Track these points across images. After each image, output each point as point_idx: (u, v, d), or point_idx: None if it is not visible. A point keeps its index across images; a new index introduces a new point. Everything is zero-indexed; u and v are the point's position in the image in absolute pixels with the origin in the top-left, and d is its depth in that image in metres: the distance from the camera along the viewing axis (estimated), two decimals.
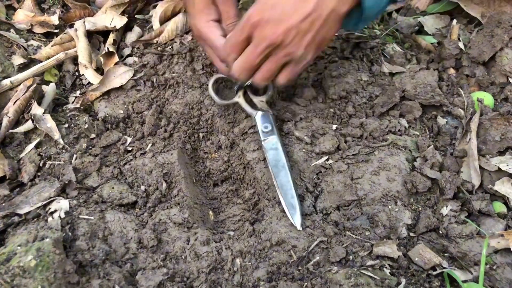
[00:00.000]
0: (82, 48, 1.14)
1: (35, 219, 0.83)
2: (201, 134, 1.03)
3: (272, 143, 0.93)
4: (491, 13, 1.19)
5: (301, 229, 0.84)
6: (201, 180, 0.99)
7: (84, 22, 1.19)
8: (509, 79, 1.08)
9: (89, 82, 1.11)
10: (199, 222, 0.88)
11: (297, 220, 0.85)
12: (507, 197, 0.89)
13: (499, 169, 0.91)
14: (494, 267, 0.81)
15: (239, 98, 1.00)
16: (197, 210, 0.91)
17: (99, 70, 1.13)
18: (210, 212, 0.93)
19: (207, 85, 1.03)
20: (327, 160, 0.94)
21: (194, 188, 0.95)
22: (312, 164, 0.93)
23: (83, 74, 1.12)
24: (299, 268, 0.79)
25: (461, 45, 1.16)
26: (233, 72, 0.87)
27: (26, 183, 0.90)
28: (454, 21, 1.24)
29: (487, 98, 1.05)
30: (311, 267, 0.79)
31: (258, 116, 0.97)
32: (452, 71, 1.15)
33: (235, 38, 0.84)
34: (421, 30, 1.30)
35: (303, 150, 0.95)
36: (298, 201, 0.86)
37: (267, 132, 0.94)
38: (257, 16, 0.80)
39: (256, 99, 0.99)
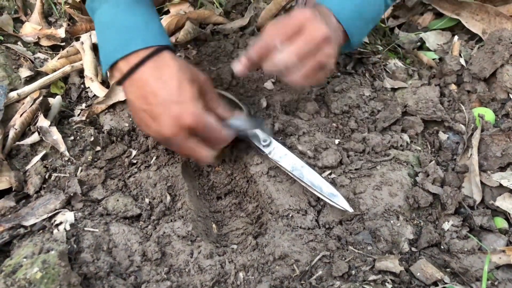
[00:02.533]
0: (88, 61, 1.15)
1: (41, 231, 0.83)
2: None
3: (279, 152, 0.93)
4: (492, 29, 1.20)
5: (352, 210, 0.86)
6: (204, 193, 1.00)
7: (90, 35, 1.21)
8: (510, 95, 1.09)
9: (94, 95, 1.12)
10: (202, 235, 0.89)
11: (344, 204, 0.86)
12: (509, 213, 0.90)
13: (500, 185, 0.92)
14: (496, 283, 0.81)
15: None
16: (200, 223, 0.91)
17: (105, 83, 1.15)
18: (214, 225, 0.94)
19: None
20: (330, 174, 0.95)
21: (198, 201, 0.96)
22: None
23: (89, 87, 1.14)
24: (302, 282, 0.79)
25: (462, 61, 1.17)
26: (282, 61, 0.78)
27: (31, 195, 0.91)
28: (456, 37, 1.26)
29: (488, 114, 1.06)
30: (313, 281, 0.79)
31: (249, 136, 0.94)
32: (453, 87, 1.16)
33: (286, 27, 0.78)
34: (422, 46, 1.31)
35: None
36: (334, 187, 0.88)
37: (268, 144, 0.93)
38: (309, 13, 0.78)
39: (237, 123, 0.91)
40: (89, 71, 1.14)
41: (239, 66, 0.83)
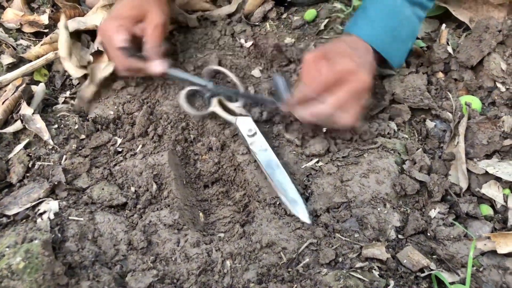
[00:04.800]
0: (62, 40, 1.09)
1: (24, 220, 0.82)
2: (192, 136, 1.03)
3: (260, 145, 0.94)
4: (479, 18, 1.20)
5: (310, 222, 0.85)
6: (191, 182, 0.99)
7: (64, 16, 1.16)
8: (497, 83, 1.09)
9: (79, 82, 1.10)
10: (189, 223, 0.88)
11: (302, 214, 0.86)
12: (494, 200, 0.90)
13: (486, 172, 0.92)
14: (481, 269, 0.82)
15: (215, 107, 1.00)
16: (187, 211, 0.91)
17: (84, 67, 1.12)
18: (201, 214, 0.93)
19: (179, 97, 1.02)
20: (317, 162, 0.94)
21: (185, 189, 0.95)
22: (302, 166, 0.93)
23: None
24: (289, 270, 0.79)
25: (449, 49, 1.17)
26: (325, 110, 0.86)
27: (14, 183, 0.89)
28: (443, 25, 1.25)
29: (475, 102, 1.06)
30: (300, 269, 0.79)
31: (238, 121, 0.97)
32: (440, 75, 1.16)
33: (327, 79, 0.85)
34: None
35: (293, 152, 0.96)
36: (299, 195, 0.87)
37: (252, 135, 0.95)
38: (351, 63, 0.85)
39: (232, 106, 1.00)
40: (62, 51, 1.08)
41: (284, 108, 0.93)
